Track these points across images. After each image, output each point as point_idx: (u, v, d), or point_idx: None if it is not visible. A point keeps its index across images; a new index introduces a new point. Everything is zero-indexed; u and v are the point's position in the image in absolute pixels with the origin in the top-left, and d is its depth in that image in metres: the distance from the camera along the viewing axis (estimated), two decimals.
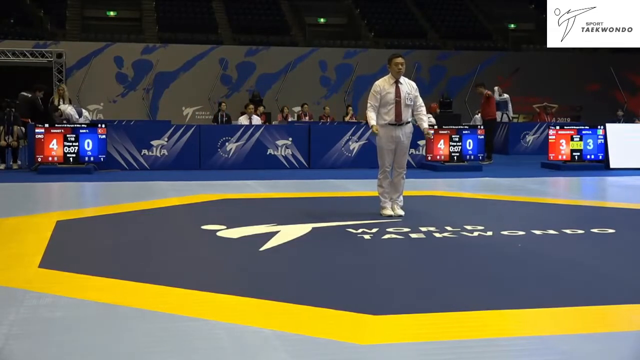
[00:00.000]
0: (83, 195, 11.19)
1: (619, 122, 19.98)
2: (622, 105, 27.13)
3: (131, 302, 4.71)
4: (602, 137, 15.26)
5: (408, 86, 8.29)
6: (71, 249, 6.61)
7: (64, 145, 13.63)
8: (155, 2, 30.92)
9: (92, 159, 13.79)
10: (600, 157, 15.22)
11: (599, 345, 3.96)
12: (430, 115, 18.43)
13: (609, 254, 6.48)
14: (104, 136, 13.88)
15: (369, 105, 8.32)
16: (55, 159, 13.63)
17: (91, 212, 8.81)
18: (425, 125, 8.42)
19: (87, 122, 15.14)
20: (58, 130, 13.71)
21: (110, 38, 28.31)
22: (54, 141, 13.61)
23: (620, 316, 4.58)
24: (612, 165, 14.94)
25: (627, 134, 15.64)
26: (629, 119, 22.25)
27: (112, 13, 30.48)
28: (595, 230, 7.38)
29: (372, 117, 8.28)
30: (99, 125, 14.28)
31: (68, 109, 15.17)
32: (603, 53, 29.84)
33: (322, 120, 22.10)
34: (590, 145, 15.25)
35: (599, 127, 15.40)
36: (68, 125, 14.02)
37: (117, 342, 3.95)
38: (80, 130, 13.78)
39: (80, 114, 15.32)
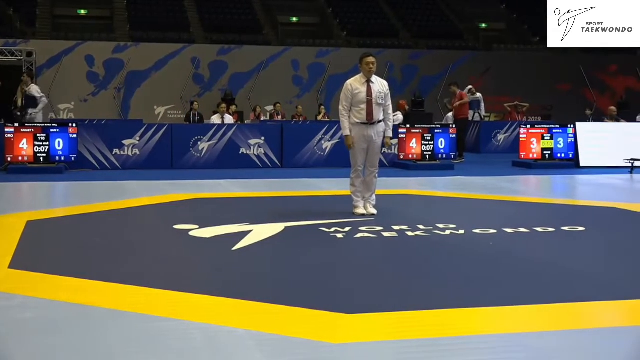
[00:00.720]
0: (54, 195, 11.09)
1: (588, 121, 20.19)
2: (591, 104, 27.42)
3: (103, 302, 4.68)
4: (572, 135, 15.40)
5: (379, 85, 8.29)
6: (42, 249, 6.55)
7: (35, 145, 13.47)
8: (126, 0, 30.72)
9: (63, 158, 13.66)
10: (571, 156, 15.35)
11: (570, 342, 4.00)
12: (399, 112, 18.53)
13: (580, 251, 6.55)
14: (75, 135, 13.75)
15: (341, 108, 8.28)
16: (26, 158, 13.48)
17: (62, 212, 8.73)
18: (389, 133, 8.44)
19: (39, 121, 15.16)
20: (28, 130, 13.57)
21: (81, 37, 28.05)
22: (24, 141, 13.45)
23: (590, 313, 4.64)
24: (582, 164, 15.08)
25: (597, 133, 15.80)
26: (598, 117, 22.50)
27: (82, 11, 30.20)
28: (565, 228, 7.45)
29: (345, 127, 8.26)
30: (70, 124, 14.16)
31: (34, 87, 15.20)
32: (573, 53, 30.12)
33: (294, 120, 22.10)
34: (560, 144, 15.38)
35: (569, 126, 15.54)
36: (38, 125, 13.90)
37: (90, 343, 3.92)
38: (51, 130, 13.64)
39: (43, 102, 15.68)
